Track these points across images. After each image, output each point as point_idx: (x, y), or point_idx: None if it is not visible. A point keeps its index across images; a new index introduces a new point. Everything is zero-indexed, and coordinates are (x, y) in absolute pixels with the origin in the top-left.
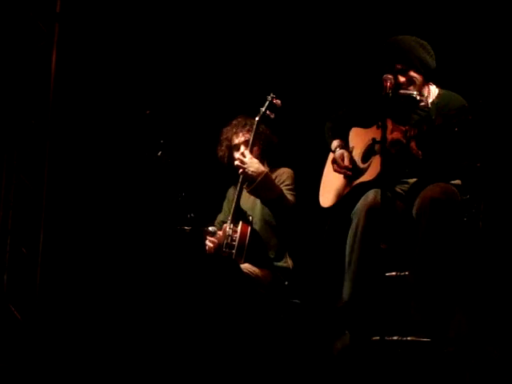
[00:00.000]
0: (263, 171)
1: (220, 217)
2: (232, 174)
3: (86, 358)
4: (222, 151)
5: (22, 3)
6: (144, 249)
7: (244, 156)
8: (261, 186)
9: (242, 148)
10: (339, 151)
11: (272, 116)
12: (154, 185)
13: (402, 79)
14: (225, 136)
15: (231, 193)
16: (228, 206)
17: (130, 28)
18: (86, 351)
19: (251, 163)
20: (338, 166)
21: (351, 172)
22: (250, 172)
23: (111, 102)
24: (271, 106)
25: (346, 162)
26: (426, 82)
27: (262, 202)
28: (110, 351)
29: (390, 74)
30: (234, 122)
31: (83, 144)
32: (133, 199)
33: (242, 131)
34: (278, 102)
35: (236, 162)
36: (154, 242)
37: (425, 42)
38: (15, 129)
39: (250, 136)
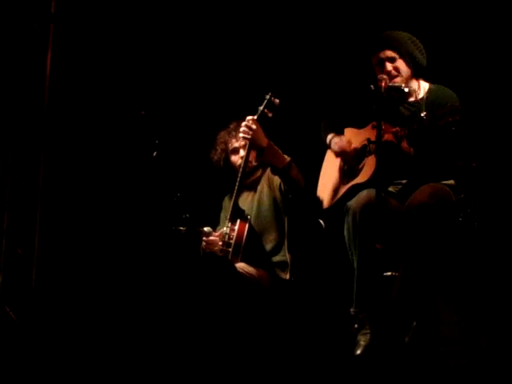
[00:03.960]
0: (267, 140)
1: (218, 228)
2: (227, 179)
3: (82, 359)
4: (217, 155)
5: (16, 4)
6: (140, 249)
7: (252, 124)
8: (269, 152)
9: (242, 152)
10: (336, 137)
11: (270, 115)
12: (150, 185)
13: (389, 67)
14: (222, 140)
15: (227, 201)
16: (225, 214)
17: (125, 28)
18: (82, 352)
19: (258, 131)
20: (338, 145)
21: (351, 150)
22: (255, 138)
23: (106, 102)
24: (269, 105)
25: (345, 141)
26: (415, 77)
27: (273, 171)
28: (106, 353)
29: (380, 64)
30: (231, 126)
31: (78, 145)
32: (128, 200)
33: (238, 134)
34: (277, 100)
35: (242, 129)
36: (149, 242)
37: (417, 40)
38: (10, 129)
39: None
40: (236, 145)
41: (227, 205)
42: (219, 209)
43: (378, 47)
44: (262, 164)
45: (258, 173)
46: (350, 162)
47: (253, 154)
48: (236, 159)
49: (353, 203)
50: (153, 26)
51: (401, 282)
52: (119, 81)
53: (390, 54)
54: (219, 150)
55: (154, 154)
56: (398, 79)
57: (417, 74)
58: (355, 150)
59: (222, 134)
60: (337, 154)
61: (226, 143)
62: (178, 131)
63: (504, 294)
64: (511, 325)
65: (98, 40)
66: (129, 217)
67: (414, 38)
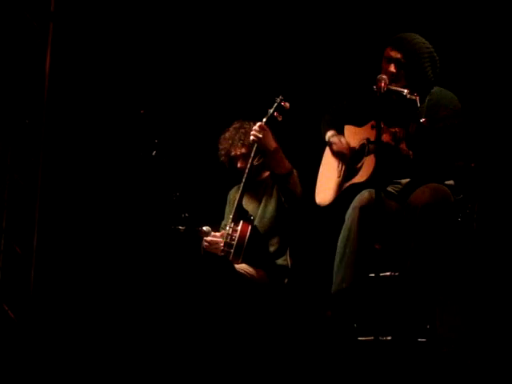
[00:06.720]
0: (276, 145)
1: (223, 223)
2: (233, 175)
3: (80, 358)
4: (222, 158)
5: (16, 2)
6: (138, 248)
7: (261, 129)
8: (273, 157)
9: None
10: (336, 137)
11: (280, 118)
12: (149, 184)
13: (392, 69)
14: (222, 146)
15: (232, 194)
16: (229, 209)
17: (124, 27)
18: (80, 351)
19: (267, 135)
20: (337, 146)
21: (348, 152)
22: (263, 142)
23: (106, 101)
24: (279, 108)
25: (344, 143)
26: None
27: (272, 177)
28: (104, 352)
29: (388, 61)
30: (231, 131)
31: (78, 143)
32: (127, 199)
33: (238, 142)
34: (287, 104)
35: (252, 137)
36: (148, 241)
37: (437, 57)
38: (9, 128)
39: (248, 149)
40: (237, 153)
41: (232, 199)
42: (217, 208)
43: (394, 45)
44: (265, 167)
45: (264, 175)
46: (347, 163)
47: (258, 160)
48: (239, 165)
49: (355, 202)
50: (153, 24)
51: (405, 281)
52: (118, 79)
53: (400, 57)
54: (223, 155)
55: (153, 153)
56: (398, 84)
57: (421, 84)
58: (353, 150)
59: (223, 141)
60: (334, 155)
61: (225, 150)
62: (178, 130)
63: (503, 294)
64: (511, 325)
65: (97, 39)
66: (128, 216)
67: (434, 54)
